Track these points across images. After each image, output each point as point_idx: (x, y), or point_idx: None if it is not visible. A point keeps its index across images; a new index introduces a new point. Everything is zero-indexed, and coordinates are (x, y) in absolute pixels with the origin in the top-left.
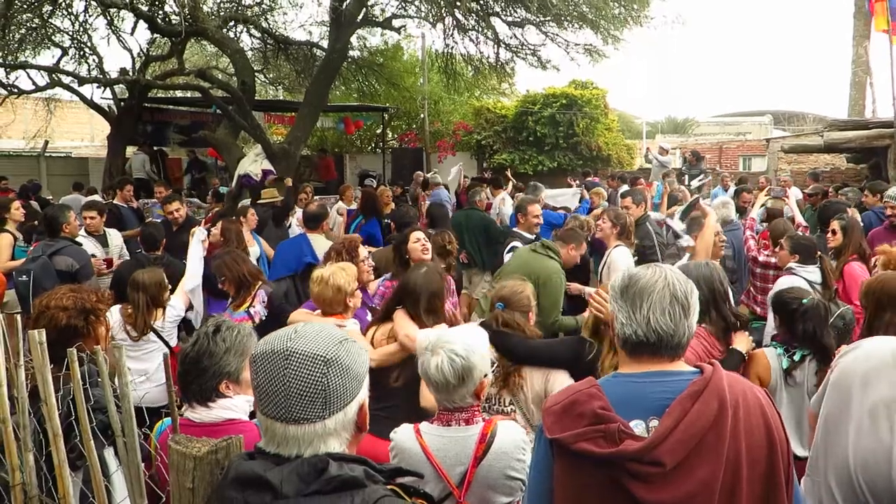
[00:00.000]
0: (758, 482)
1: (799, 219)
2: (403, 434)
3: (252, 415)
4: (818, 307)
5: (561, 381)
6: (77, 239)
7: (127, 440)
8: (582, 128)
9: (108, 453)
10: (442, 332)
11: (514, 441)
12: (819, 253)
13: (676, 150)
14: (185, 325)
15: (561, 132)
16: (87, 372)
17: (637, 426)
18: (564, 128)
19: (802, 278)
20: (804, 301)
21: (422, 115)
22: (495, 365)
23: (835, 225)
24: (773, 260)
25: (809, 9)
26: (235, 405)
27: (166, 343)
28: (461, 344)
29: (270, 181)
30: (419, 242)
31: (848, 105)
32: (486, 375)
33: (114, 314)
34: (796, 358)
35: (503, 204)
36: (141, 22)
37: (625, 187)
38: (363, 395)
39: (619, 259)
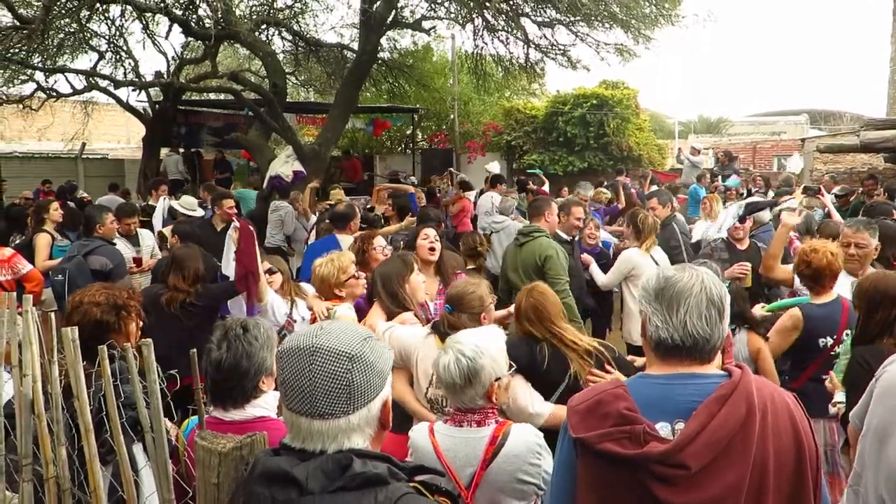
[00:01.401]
0: (785, 487)
1: (837, 217)
2: (419, 432)
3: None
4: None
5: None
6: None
7: (155, 436)
8: (612, 128)
9: (137, 448)
10: (462, 334)
11: (526, 445)
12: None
13: (709, 150)
14: None
15: (591, 132)
16: (117, 368)
17: (663, 428)
18: (595, 128)
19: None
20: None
21: (452, 116)
22: (513, 368)
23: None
24: None
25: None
26: (267, 403)
27: None
28: (470, 345)
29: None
30: (427, 240)
31: (886, 104)
32: (498, 379)
33: None
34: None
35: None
36: (175, 26)
37: (654, 187)
38: (386, 391)
39: (623, 260)
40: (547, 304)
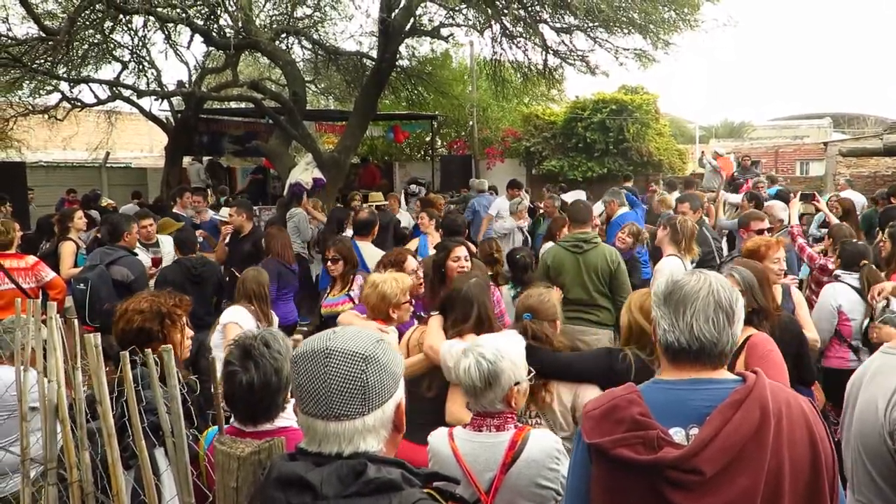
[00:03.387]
0: (801, 492)
1: (834, 221)
2: (438, 437)
3: None
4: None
5: (590, 395)
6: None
7: (176, 440)
8: (632, 133)
9: (159, 453)
10: (483, 338)
11: (545, 450)
12: (865, 262)
13: (731, 155)
14: None
15: (611, 138)
16: (139, 374)
17: (677, 434)
18: (614, 133)
19: (848, 285)
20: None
21: (470, 123)
22: (532, 374)
23: (885, 233)
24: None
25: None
26: (289, 413)
27: None
28: (490, 348)
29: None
30: (458, 262)
31: None
32: (517, 383)
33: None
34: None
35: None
36: (196, 36)
37: (676, 193)
38: (400, 394)
39: (663, 269)
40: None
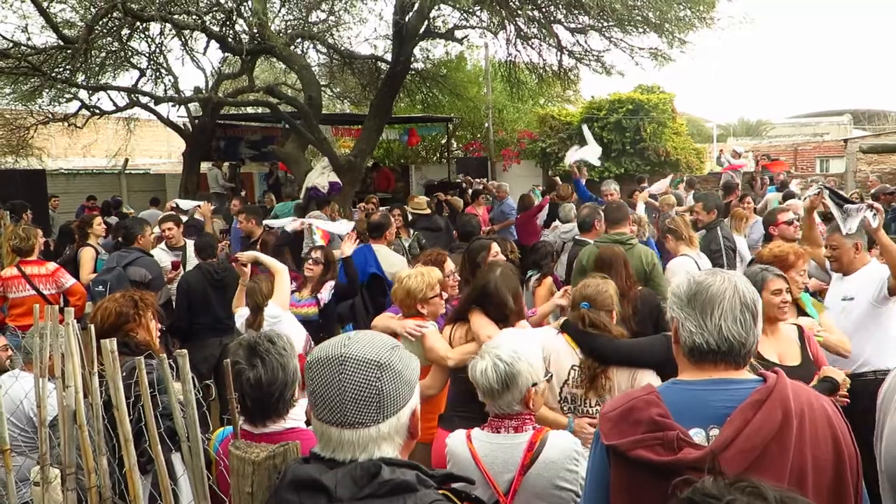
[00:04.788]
0: (824, 494)
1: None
2: (456, 439)
3: (308, 422)
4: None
5: (647, 381)
6: (156, 251)
7: (191, 444)
8: (649, 133)
9: (176, 458)
10: (499, 338)
11: (563, 451)
12: None
13: (749, 154)
14: None
15: (627, 138)
16: (155, 378)
17: (697, 434)
18: (631, 133)
19: None
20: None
21: (486, 125)
22: (549, 375)
23: None
24: None
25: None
26: (296, 414)
27: None
28: (507, 350)
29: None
30: (496, 258)
31: None
32: (534, 384)
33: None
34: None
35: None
36: (213, 42)
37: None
38: (415, 401)
39: (676, 269)
40: None
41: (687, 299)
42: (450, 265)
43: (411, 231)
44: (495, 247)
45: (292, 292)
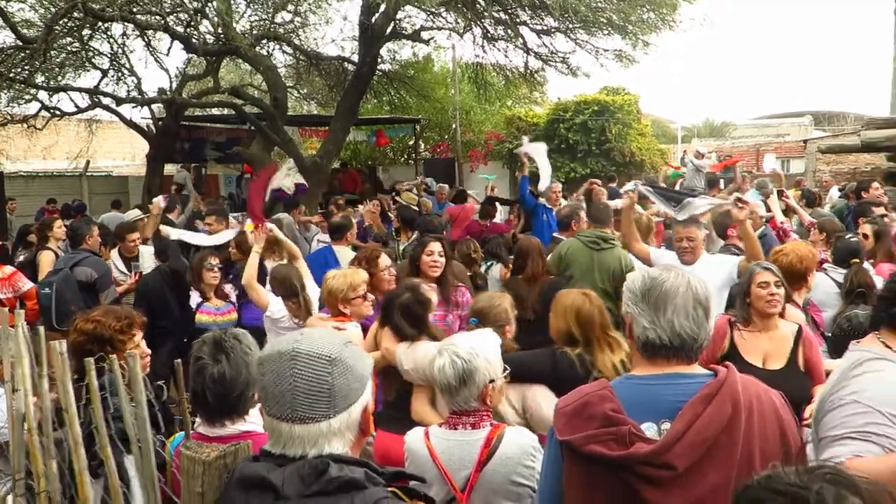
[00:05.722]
0: None
1: (806, 217)
2: (414, 436)
3: None
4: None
5: (540, 395)
6: (108, 262)
7: (142, 445)
8: (614, 134)
9: (129, 461)
10: (457, 336)
11: (520, 447)
12: (856, 260)
13: (713, 154)
14: None
15: (593, 139)
16: (107, 381)
17: (649, 429)
18: (597, 134)
19: (832, 279)
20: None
21: (453, 126)
22: (507, 371)
23: (866, 228)
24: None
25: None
26: (254, 417)
27: None
28: (465, 347)
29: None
30: (431, 256)
31: (889, 103)
32: (492, 381)
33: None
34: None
35: None
36: (176, 43)
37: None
38: (366, 397)
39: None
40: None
41: (641, 295)
42: (385, 260)
43: (412, 233)
44: (434, 246)
45: (205, 301)
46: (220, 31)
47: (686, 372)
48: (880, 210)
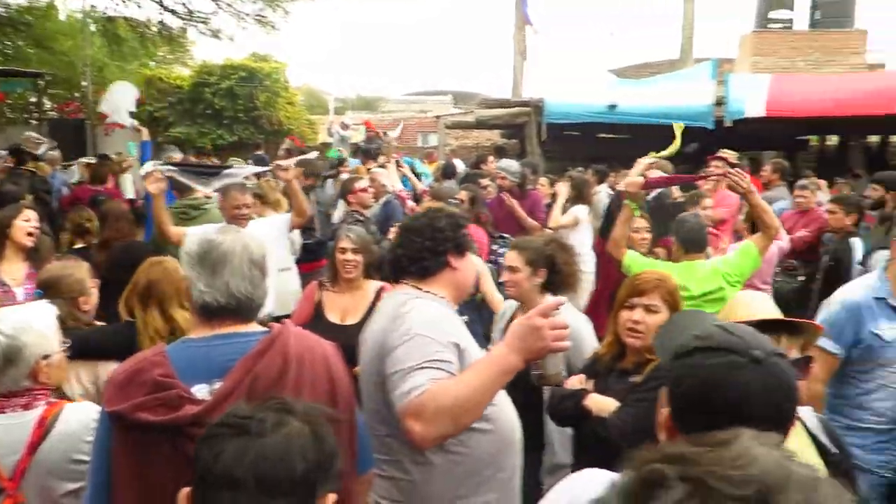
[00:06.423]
0: None
1: (398, 186)
2: None
3: None
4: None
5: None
6: None
7: None
8: (262, 102)
9: None
10: (2, 311)
11: (82, 422)
12: None
13: (360, 126)
14: None
15: (240, 105)
16: None
17: (200, 390)
18: (244, 101)
19: None
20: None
21: (84, 84)
22: (67, 343)
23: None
24: None
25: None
26: None
27: None
28: (10, 322)
29: None
30: (29, 223)
31: (512, 87)
32: (46, 356)
33: None
34: None
35: None
36: None
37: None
38: None
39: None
40: None
41: (199, 258)
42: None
43: None
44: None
45: None
46: None
47: (241, 331)
48: (486, 182)
